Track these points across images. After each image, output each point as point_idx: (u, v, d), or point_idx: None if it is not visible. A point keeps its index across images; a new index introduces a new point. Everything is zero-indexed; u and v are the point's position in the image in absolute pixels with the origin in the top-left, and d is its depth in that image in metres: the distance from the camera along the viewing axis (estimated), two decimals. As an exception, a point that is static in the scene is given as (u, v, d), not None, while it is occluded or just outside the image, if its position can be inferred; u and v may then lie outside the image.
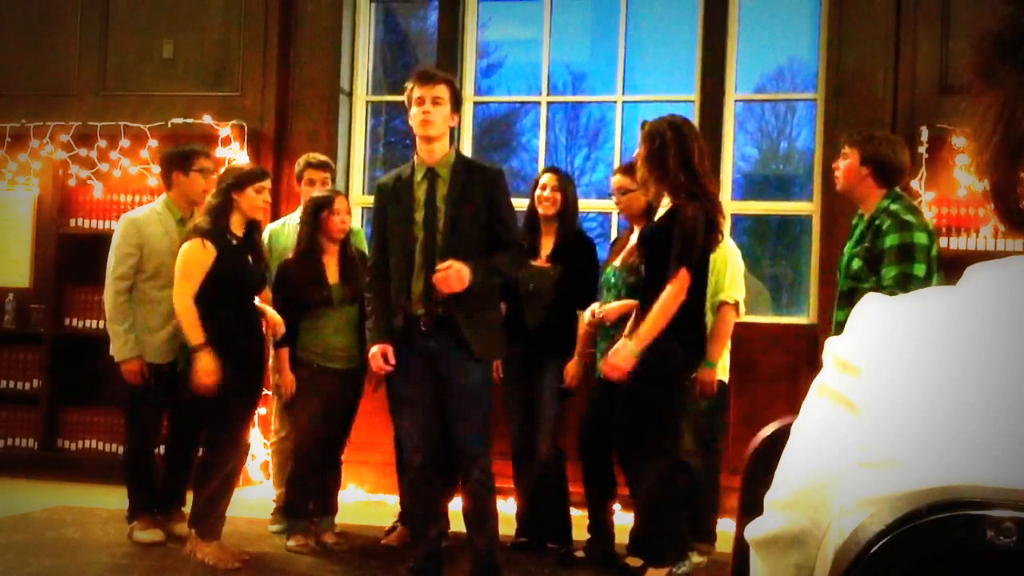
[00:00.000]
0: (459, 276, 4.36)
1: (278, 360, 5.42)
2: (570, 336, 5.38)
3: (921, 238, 4.28)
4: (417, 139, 4.61)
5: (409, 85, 4.58)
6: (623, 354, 4.51)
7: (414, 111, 4.53)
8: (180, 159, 5.56)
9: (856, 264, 4.36)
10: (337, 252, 5.43)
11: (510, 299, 5.53)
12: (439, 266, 4.39)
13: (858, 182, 4.48)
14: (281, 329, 5.27)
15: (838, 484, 0.98)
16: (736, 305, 5.22)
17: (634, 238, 5.26)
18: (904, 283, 4.11)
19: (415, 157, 4.65)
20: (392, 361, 4.52)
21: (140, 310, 5.39)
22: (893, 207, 4.37)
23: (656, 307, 4.48)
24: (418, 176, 4.59)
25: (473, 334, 4.49)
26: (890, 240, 4.26)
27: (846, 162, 4.53)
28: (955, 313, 0.96)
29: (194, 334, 4.94)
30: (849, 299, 4.25)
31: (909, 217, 4.33)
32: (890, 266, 4.23)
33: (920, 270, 4.20)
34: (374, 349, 4.56)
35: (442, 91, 4.53)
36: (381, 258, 4.65)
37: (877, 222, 4.36)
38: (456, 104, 4.63)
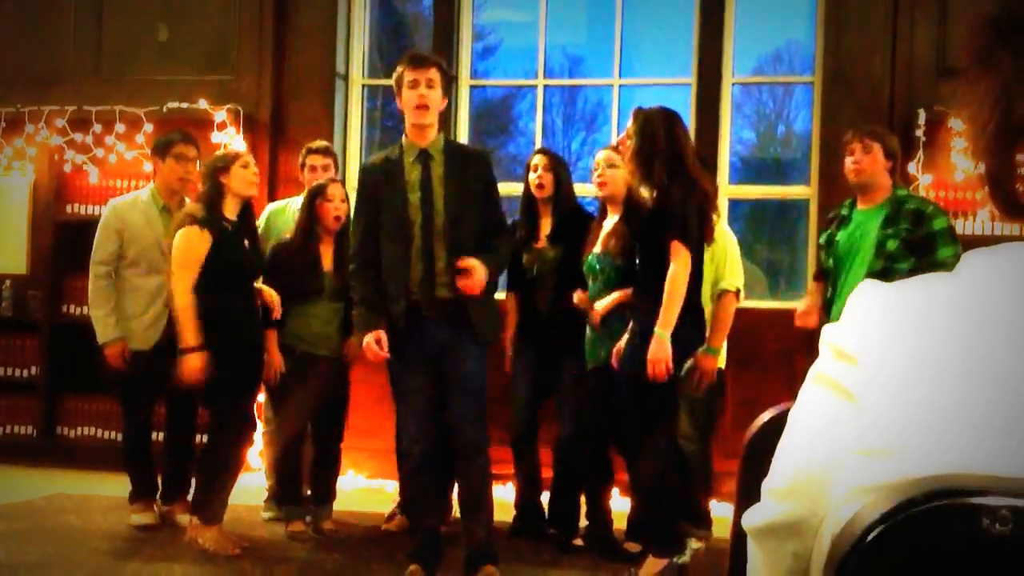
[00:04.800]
0: (480, 278, 4.37)
1: (266, 341, 5.39)
2: (581, 316, 5.34)
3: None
4: (408, 122, 4.58)
5: (400, 69, 4.55)
6: (657, 346, 4.48)
7: (408, 95, 4.50)
8: (160, 146, 5.65)
9: (892, 245, 4.66)
10: (333, 241, 5.40)
11: (520, 287, 5.52)
12: (461, 264, 4.36)
13: (880, 175, 4.82)
14: (278, 308, 5.24)
15: (835, 472, 0.98)
16: (737, 293, 5.23)
17: (609, 222, 5.21)
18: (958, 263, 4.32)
19: (404, 140, 4.61)
20: (385, 348, 4.49)
21: (122, 297, 5.44)
22: (915, 195, 4.92)
23: (667, 289, 4.46)
24: (410, 158, 4.55)
25: (478, 318, 4.48)
26: (940, 223, 4.68)
27: (870, 156, 4.81)
28: (952, 300, 0.96)
29: (189, 335, 4.92)
30: (884, 279, 4.37)
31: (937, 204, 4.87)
32: (946, 247, 4.62)
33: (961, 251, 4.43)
34: (367, 338, 4.47)
35: (435, 74, 4.50)
36: (368, 245, 4.57)
37: (911, 207, 4.73)
38: (447, 87, 4.62)
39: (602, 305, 5.06)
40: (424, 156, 4.54)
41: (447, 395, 4.51)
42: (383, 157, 4.67)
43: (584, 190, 6.20)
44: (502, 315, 4.80)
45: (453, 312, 4.46)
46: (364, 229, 4.61)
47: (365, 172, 4.71)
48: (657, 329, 4.48)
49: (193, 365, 4.92)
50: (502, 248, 4.60)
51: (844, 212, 4.96)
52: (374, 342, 4.46)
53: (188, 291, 4.93)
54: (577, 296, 5.19)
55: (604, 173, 5.22)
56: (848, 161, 4.88)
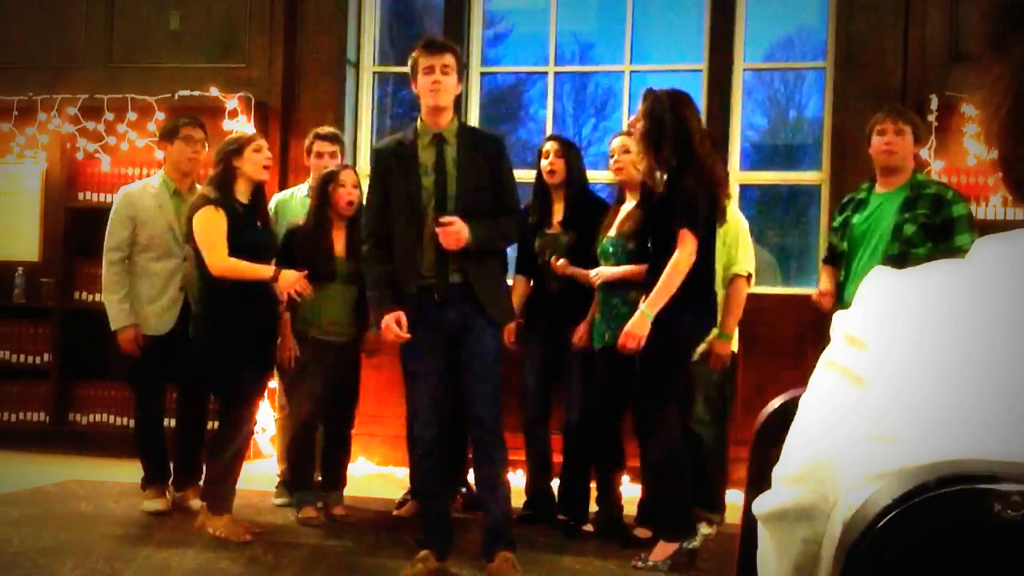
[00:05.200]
0: (457, 233, 4.35)
1: (280, 326, 5.40)
2: (590, 301, 5.35)
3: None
4: (424, 107, 4.58)
5: (415, 55, 4.56)
6: (638, 321, 4.51)
7: (423, 80, 4.51)
8: (167, 131, 5.68)
9: (910, 229, 4.64)
10: (345, 227, 5.41)
11: (531, 271, 5.55)
12: (442, 219, 4.36)
13: (909, 159, 4.83)
14: (299, 286, 5.23)
15: (846, 458, 0.98)
16: (749, 277, 5.23)
17: (627, 207, 5.22)
18: None
19: (418, 123, 4.61)
20: (405, 328, 4.45)
21: (136, 282, 5.45)
22: (934, 180, 4.86)
23: (666, 271, 4.48)
24: (424, 141, 4.56)
25: (488, 299, 4.49)
26: (960, 209, 4.65)
27: (903, 138, 4.80)
28: (963, 287, 0.96)
29: (262, 272, 4.99)
30: (899, 263, 4.37)
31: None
32: (964, 233, 4.58)
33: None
34: (387, 319, 4.46)
35: (449, 59, 4.52)
36: (381, 226, 4.57)
37: (930, 191, 4.70)
38: (461, 73, 4.63)
39: (608, 272, 5.07)
40: (439, 139, 4.55)
41: (461, 377, 4.51)
42: (396, 140, 4.67)
43: (596, 176, 6.20)
44: (509, 295, 4.83)
45: (465, 296, 4.47)
46: (376, 210, 4.61)
47: (377, 154, 4.71)
48: (643, 306, 4.51)
49: (288, 279, 5.00)
50: (503, 224, 4.56)
51: (862, 195, 4.93)
52: (394, 323, 4.45)
53: (226, 260, 4.95)
54: (554, 261, 5.22)
55: (620, 159, 5.24)
56: (879, 141, 4.82)
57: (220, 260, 4.96)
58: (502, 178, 4.62)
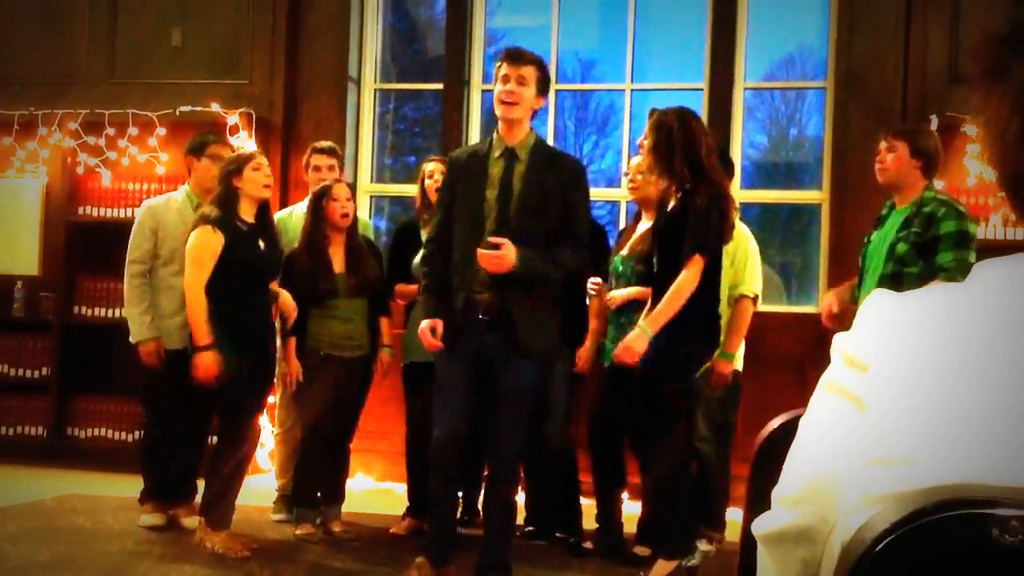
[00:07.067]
0: (501, 259, 4.22)
1: (285, 349, 5.40)
2: (579, 323, 5.35)
3: (973, 228, 4.52)
4: (498, 117, 4.54)
5: (497, 63, 4.52)
6: (636, 337, 4.49)
7: (498, 89, 4.46)
8: (195, 146, 5.67)
9: (902, 248, 4.49)
10: (343, 242, 5.41)
11: None
12: (491, 240, 4.25)
13: (907, 174, 4.63)
14: (294, 314, 5.25)
15: (845, 481, 0.98)
16: (755, 299, 5.23)
17: (642, 226, 5.24)
18: (961, 269, 4.29)
19: (494, 135, 4.57)
20: (440, 335, 4.39)
21: (156, 296, 5.44)
22: (941, 196, 4.62)
23: (670, 291, 4.46)
24: (495, 154, 4.50)
25: (525, 329, 4.38)
26: (948, 226, 4.43)
27: (894, 154, 4.64)
28: (963, 310, 0.96)
29: (201, 334, 4.93)
30: (892, 282, 4.35)
31: (960, 207, 4.55)
32: (947, 251, 4.39)
33: (974, 258, 4.33)
34: (424, 324, 4.43)
35: (529, 72, 4.43)
36: (443, 234, 4.51)
37: (928, 209, 4.52)
38: (543, 87, 4.52)
39: (620, 295, 5.08)
40: (509, 154, 4.49)
41: (493, 405, 4.46)
42: (471, 149, 4.68)
43: (597, 194, 6.20)
44: (556, 328, 4.68)
45: (506, 319, 4.39)
46: (443, 217, 4.56)
47: (451, 162, 4.68)
48: (643, 321, 4.50)
49: (207, 363, 4.94)
50: (560, 254, 4.40)
51: (884, 212, 4.81)
52: (429, 330, 4.41)
53: (200, 289, 4.95)
54: (591, 283, 5.23)
55: (635, 179, 5.26)
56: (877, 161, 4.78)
57: (196, 285, 4.96)
58: (572, 203, 4.48)
